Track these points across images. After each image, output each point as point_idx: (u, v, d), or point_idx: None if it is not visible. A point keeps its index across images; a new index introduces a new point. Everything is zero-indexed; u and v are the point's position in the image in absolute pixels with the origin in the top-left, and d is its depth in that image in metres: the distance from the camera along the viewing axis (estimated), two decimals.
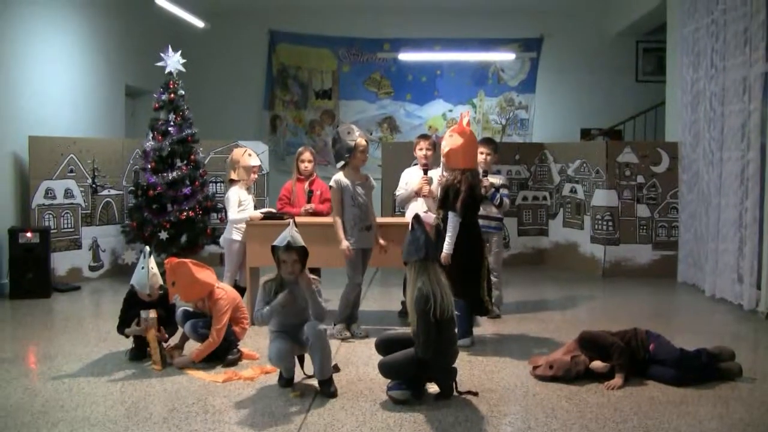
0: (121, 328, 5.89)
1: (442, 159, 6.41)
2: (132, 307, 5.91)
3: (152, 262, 5.89)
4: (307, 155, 7.72)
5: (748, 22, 7.95)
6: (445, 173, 6.49)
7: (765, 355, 5.79)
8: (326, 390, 5.06)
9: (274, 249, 5.22)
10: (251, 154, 7.52)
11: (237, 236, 7.35)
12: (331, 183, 6.56)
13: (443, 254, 6.08)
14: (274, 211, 7.54)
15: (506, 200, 7.40)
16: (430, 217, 5.46)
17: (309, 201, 7.56)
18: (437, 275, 5.03)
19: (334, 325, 6.56)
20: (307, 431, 4.42)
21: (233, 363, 5.74)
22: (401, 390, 4.90)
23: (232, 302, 5.84)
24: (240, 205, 7.34)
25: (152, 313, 5.73)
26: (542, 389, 5.22)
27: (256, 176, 7.59)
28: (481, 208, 7.06)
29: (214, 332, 5.69)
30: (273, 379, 5.37)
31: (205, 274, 5.81)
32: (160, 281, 5.89)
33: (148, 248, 5.98)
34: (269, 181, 10.80)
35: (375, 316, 7.22)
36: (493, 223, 7.44)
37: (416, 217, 5.22)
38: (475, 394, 5.08)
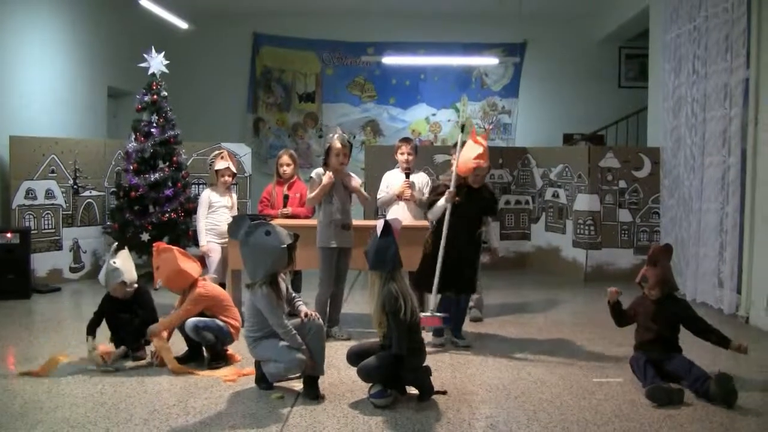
0: (91, 328, 5.82)
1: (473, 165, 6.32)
2: (106, 304, 5.89)
3: (118, 258, 5.81)
4: (285, 158, 7.76)
5: (730, 29, 8.00)
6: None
7: (745, 359, 5.82)
8: (311, 392, 5.06)
9: (289, 248, 5.17)
10: (223, 157, 7.63)
11: (208, 237, 7.51)
12: (312, 174, 6.64)
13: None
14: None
15: None
16: (399, 223, 5.47)
17: (285, 205, 7.59)
18: (403, 282, 5.15)
19: None
20: None
21: (216, 368, 5.73)
22: (383, 397, 4.90)
23: (211, 299, 5.80)
24: (210, 207, 7.47)
25: (98, 349, 5.66)
26: (524, 392, 5.23)
27: (226, 179, 7.63)
28: None
29: (180, 311, 5.69)
30: (252, 381, 5.35)
31: (190, 265, 5.80)
32: (121, 278, 5.77)
33: (116, 244, 5.94)
34: (251, 183, 10.79)
35: (357, 319, 7.21)
36: None
37: (387, 225, 5.22)
38: (444, 392, 5.13)
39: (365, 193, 6.92)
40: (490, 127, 6.78)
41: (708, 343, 5.47)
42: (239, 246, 5.17)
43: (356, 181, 6.81)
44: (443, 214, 6.27)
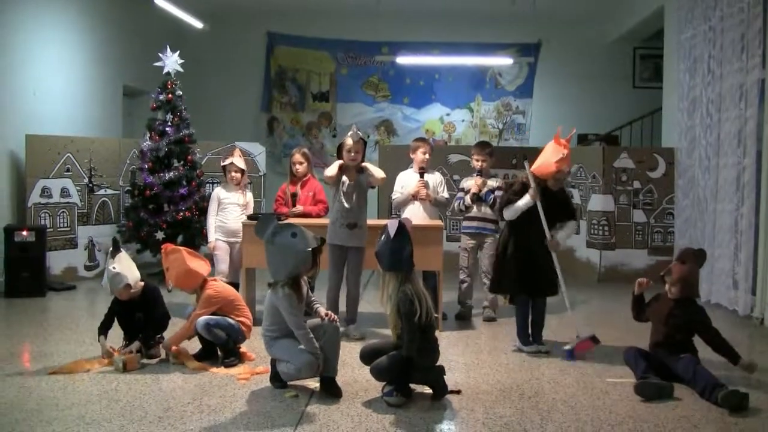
0: (102, 328, 5.86)
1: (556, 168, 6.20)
2: (116, 307, 5.91)
3: (116, 262, 5.73)
4: (297, 157, 7.76)
5: (745, 29, 7.97)
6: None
7: (760, 361, 5.79)
8: (331, 390, 5.09)
9: (314, 252, 5.15)
10: (232, 154, 7.73)
11: (216, 235, 7.65)
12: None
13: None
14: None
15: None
16: (410, 222, 5.44)
17: (294, 204, 7.60)
18: (418, 283, 5.13)
19: None
20: None
21: (230, 365, 5.74)
22: (396, 396, 4.91)
23: (223, 299, 5.84)
24: (220, 204, 7.55)
25: (115, 352, 5.67)
26: (538, 392, 5.23)
27: (233, 175, 7.68)
28: (475, 209, 7.36)
29: (192, 316, 5.74)
30: (266, 379, 5.36)
31: (198, 264, 5.83)
32: (125, 282, 5.70)
33: (111, 249, 5.87)
34: (266, 182, 10.80)
35: (370, 318, 7.20)
36: (488, 225, 7.50)
37: (401, 225, 5.17)
38: (458, 392, 5.14)
39: (377, 172, 6.77)
40: (573, 130, 6.67)
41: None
42: (264, 245, 5.16)
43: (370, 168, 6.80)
44: (521, 214, 6.23)
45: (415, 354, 4.93)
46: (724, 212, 8.38)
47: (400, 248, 5.06)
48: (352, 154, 6.64)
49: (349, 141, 6.62)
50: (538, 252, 6.26)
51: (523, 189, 6.21)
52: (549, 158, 6.17)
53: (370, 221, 6.87)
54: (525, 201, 6.16)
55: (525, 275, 6.24)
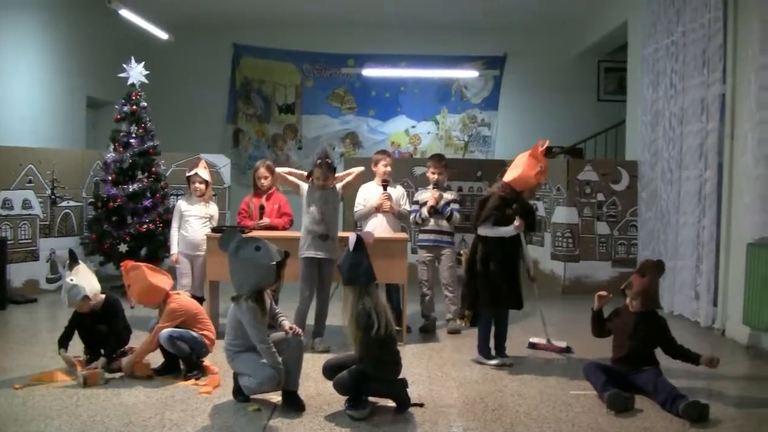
0: (62, 341, 5.81)
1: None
2: (76, 320, 5.85)
3: (74, 275, 5.69)
4: (262, 171, 7.73)
5: (707, 44, 8.08)
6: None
7: (722, 372, 5.86)
8: (293, 404, 5.07)
9: (278, 266, 5.14)
10: (197, 165, 7.69)
11: (177, 248, 7.66)
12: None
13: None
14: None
15: (456, 214, 7.49)
16: (371, 236, 5.45)
17: (261, 216, 7.58)
18: (378, 297, 5.13)
19: None
20: None
21: (193, 378, 5.70)
22: (359, 410, 4.90)
23: (186, 313, 5.79)
24: (182, 217, 7.59)
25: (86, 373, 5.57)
26: (501, 405, 5.23)
27: (197, 186, 7.63)
28: (432, 222, 7.45)
29: (156, 329, 5.69)
30: (229, 393, 5.32)
31: (160, 279, 5.79)
32: (82, 293, 5.64)
33: (68, 261, 5.82)
34: (231, 195, 10.76)
35: (335, 331, 7.18)
36: (445, 237, 7.55)
37: (359, 239, 5.20)
38: (421, 405, 5.13)
39: (353, 172, 7.05)
40: (547, 142, 6.65)
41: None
42: (228, 259, 5.13)
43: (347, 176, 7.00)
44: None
45: (371, 367, 4.92)
46: (686, 224, 8.47)
47: (358, 262, 5.07)
48: (322, 181, 6.67)
49: (318, 171, 6.64)
50: (515, 265, 6.34)
51: (502, 204, 6.24)
52: (527, 171, 6.22)
53: (339, 233, 6.88)
54: (509, 231, 6.21)
55: (507, 289, 6.28)
